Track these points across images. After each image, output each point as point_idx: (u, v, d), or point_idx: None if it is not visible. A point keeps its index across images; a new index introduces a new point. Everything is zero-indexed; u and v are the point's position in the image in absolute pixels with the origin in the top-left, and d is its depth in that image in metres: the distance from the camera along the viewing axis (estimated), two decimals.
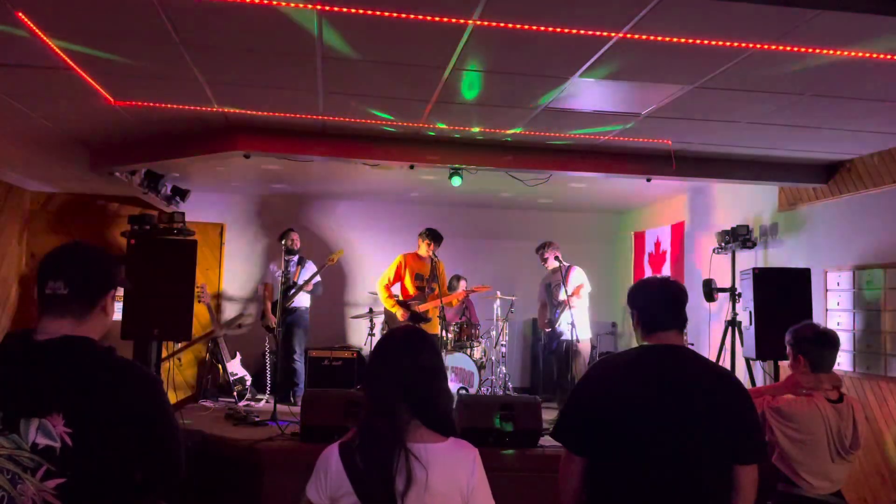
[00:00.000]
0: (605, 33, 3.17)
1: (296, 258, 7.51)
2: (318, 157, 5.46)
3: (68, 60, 3.73)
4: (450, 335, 7.19)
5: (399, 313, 6.52)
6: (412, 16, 3.04)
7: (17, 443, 1.67)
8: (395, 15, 3.04)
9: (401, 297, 6.78)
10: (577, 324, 6.40)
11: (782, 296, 5.40)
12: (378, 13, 3.02)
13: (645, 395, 2.28)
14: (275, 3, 2.95)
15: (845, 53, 3.29)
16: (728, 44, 3.23)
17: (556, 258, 6.65)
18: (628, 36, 3.18)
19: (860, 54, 3.30)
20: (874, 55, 3.30)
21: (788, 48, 3.25)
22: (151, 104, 4.58)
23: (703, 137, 5.06)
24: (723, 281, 6.21)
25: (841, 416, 3.04)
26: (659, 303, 2.45)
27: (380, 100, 4.41)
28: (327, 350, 8.15)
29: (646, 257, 8.78)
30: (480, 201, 8.67)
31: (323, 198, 8.90)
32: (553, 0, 2.86)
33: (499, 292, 7.79)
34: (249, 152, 5.26)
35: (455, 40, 3.32)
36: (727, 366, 5.81)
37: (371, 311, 8.16)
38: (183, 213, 5.87)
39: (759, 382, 5.71)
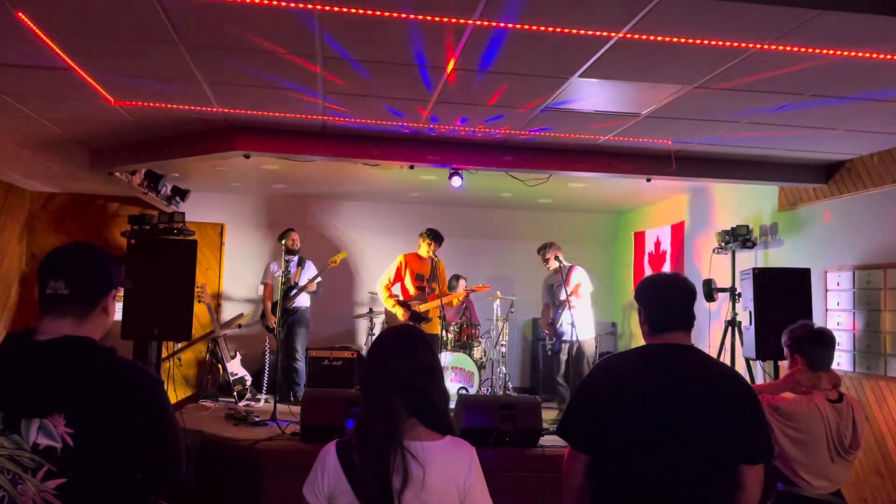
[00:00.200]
0: (605, 33, 3.17)
1: (296, 258, 7.50)
2: (318, 157, 5.46)
3: (68, 60, 3.73)
4: (450, 335, 7.19)
5: (400, 313, 6.52)
6: (412, 16, 3.04)
7: (18, 443, 1.67)
8: (395, 15, 3.04)
9: (401, 297, 6.78)
10: (580, 323, 6.41)
11: (782, 296, 5.40)
12: (378, 13, 3.02)
13: (651, 393, 2.27)
14: (275, 2, 2.95)
15: (845, 53, 3.29)
16: (728, 44, 3.23)
17: (557, 258, 6.65)
18: (628, 36, 3.18)
19: (860, 54, 3.30)
20: (874, 55, 3.30)
21: (788, 48, 3.25)
22: (151, 104, 4.58)
23: (703, 137, 5.06)
24: (723, 281, 6.21)
25: (841, 415, 3.04)
26: (667, 302, 2.41)
27: (380, 100, 4.41)
28: (327, 350, 8.15)
29: (646, 257, 8.78)
30: (480, 201, 8.67)
31: (323, 198, 8.90)
32: (553, 0, 2.86)
33: (499, 292, 7.79)
34: (249, 152, 5.26)
35: (455, 40, 3.32)
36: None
37: (371, 311, 8.17)
38: (183, 213, 5.87)
39: (759, 382, 5.71)
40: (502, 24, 3.11)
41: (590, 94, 4.13)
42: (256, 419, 5.78)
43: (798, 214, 6.11)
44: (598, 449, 2.34)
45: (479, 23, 3.09)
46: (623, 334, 9.05)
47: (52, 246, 1.95)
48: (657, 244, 8.53)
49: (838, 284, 5.56)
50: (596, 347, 6.84)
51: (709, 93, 3.98)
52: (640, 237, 8.99)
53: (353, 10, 3.00)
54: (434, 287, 6.58)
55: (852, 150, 5.30)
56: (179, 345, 8.19)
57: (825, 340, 3.15)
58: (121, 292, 2.04)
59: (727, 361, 5.92)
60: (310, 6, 2.97)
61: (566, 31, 3.15)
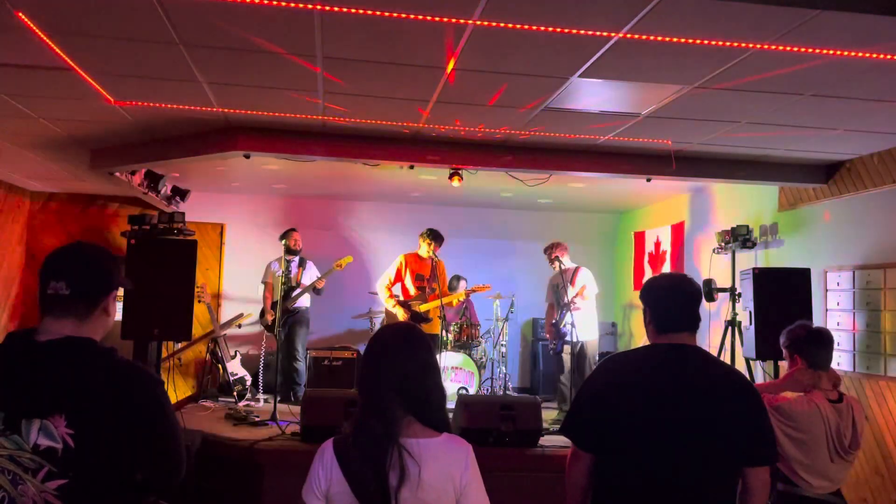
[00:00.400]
0: (605, 33, 3.17)
1: (297, 259, 7.49)
2: (318, 157, 5.45)
3: (68, 60, 3.73)
4: (450, 335, 7.20)
5: (400, 313, 6.52)
6: (412, 16, 3.04)
7: (19, 443, 1.67)
8: (395, 15, 3.04)
9: (401, 298, 6.78)
10: (583, 324, 6.46)
11: (782, 296, 5.40)
12: (378, 13, 3.02)
13: (655, 393, 2.27)
14: (275, 2, 2.95)
15: (845, 53, 3.29)
16: (728, 44, 3.23)
17: (558, 259, 6.66)
18: (628, 36, 3.18)
19: (860, 54, 3.30)
20: (874, 55, 3.30)
21: (788, 48, 3.25)
22: (151, 104, 4.58)
23: (703, 137, 5.06)
24: (723, 281, 6.21)
25: (841, 415, 3.04)
26: (673, 302, 2.40)
27: (380, 100, 4.41)
28: (327, 350, 8.16)
29: (646, 257, 8.78)
30: (480, 201, 8.67)
31: (323, 198, 8.91)
32: (553, 0, 2.86)
33: (499, 292, 7.79)
34: (249, 152, 5.26)
35: (456, 40, 3.32)
36: None
37: (371, 311, 8.17)
38: (183, 213, 5.87)
39: (759, 382, 5.71)
40: (502, 24, 3.11)
41: (590, 94, 4.13)
42: (256, 419, 5.78)
43: (798, 214, 6.11)
44: (601, 448, 2.34)
45: (479, 23, 3.09)
46: (623, 334, 9.05)
47: (52, 246, 1.96)
48: (657, 244, 8.53)
49: (838, 284, 5.56)
50: (603, 352, 6.85)
51: (709, 93, 3.98)
52: (640, 237, 8.99)
53: (353, 10, 3.00)
54: (434, 287, 6.58)
55: (852, 150, 5.30)
56: (179, 345, 8.20)
57: (823, 340, 3.15)
58: (121, 292, 2.03)
59: (727, 361, 5.92)
60: (310, 6, 2.97)
61: (566, 31, 3.15)
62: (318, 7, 2.98)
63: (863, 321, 5.29)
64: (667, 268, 8.20)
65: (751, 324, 5.50)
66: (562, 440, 5.02)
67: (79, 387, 1.72)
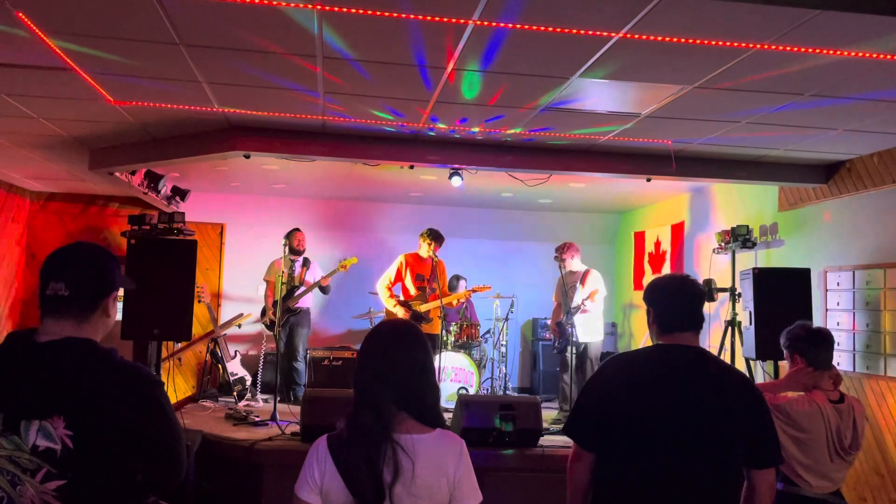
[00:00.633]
0: (605, 33, 3.17)
1: (301, 259, 7.48)
2: (318, 157, 5.46)
3: (68, 60, 3.73)
4: (450, 335, 7.20)
5: (401, 313, 6.52)
6: (412, 16, 3.04)
7: (18, 444, 1.67)
8: (395, 15, 3.04)
9: (402, 297, 6.78)
10: (589, 326, 6.54)
11: (782, 296, 5.39)
12: (378, 13, 3.02)
13: (658, 393, 2.27)
14: (275, 2, 2.95)
15: (845, 53, 3.29)
16: (728, 44, 3.23)
17: (566, 260, 6.70)
18: (628, 36, 3.18)
19: (860, 54, 3.30)
20: (874, 55, 3.30)
21: (788, 48, 3.25)
22: (151, 104, 4.58)
23: (703, 137, 5.06)
24: (723, 281, 6.21)
25: (841, 416, 3.04)
26: (677, 303, 2.40)
27: (380, 100, 4.41)
28: (327, 350, 8.15)
29: (646, 257, 8.78)
30: (480, 201, 8.67)
31: (323, 198, 8.90)
32: (553, 0, 2.86)
33: (499, 292, 7.79)
34: (249, 152, 5.26)
35: (455, 40, 3.32)
36: None
37: (371, 311, 8.16)
38: (183, 213, 5.86)
39: (759, 381, 5.71)
40: (502, 24, 3.11)
41: (590, 94, 4.13)
42: (256, 419, 5.78)
43: (798, 214, 6.11)
44: (603, 448, 2.34)
45: (479, 23, 3.09)
46: (623, 334, 9.05)
47: (52, 246, 1.95)
48: (657, 244, 8.53)
49: (838, 284, 5.57)
50: (605, 352, 6.88)
51: (709, 93, 3.98)
52: (640, 237, 8.99)
53: (353, 10, 3.00)
54: (434, 287, 6.58)
55: (852, 150, 5.30)
56: (179, 345, 8.19)
57: (823, 340, 3.15)
58: (121, 292, 2.03)
59: (727, 361, 5.92)
60: (310, 6, 2.97)
61: (566, 31, 3.15)
62: (318, 7, 2.98)
63: (863, 321, 5.29)
64: (667, 268, 8.20)
65: (751, 324, 5.50)
66: (562, 440, 5.02)
67: (78, 388, 1.72)
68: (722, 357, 5.85)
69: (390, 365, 1.92)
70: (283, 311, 7.14)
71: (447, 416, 5.66)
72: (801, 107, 4.19)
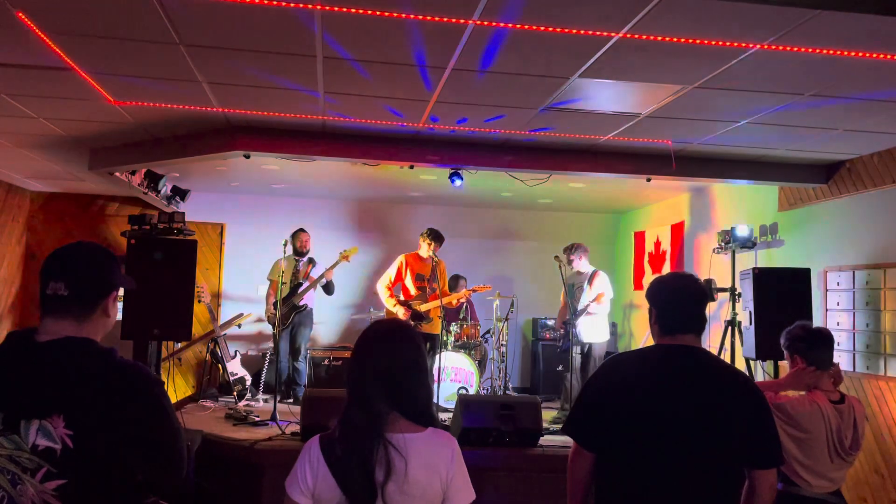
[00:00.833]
0: (605, 33, 3.17)
1: (305, 258, 7.48)
2: (318, 157, 5.46)
3: (68, 60, 3.73)
4: (450, 335, 7.20)
5: (401, 313, 6.52)
6: (412, 16, 3.05)
7: (18, 444, 1.67)
8: (395, 15, 3.04)
9: (402, 297, 6.78)
10: (595, 327, 6.62)
11: (782, 296, 5.39)
12: (378, 13, 3.02)
13: (658, 393, 2.27)
14: (275, 2, 2.95)
15: (845, 53, 3.29)
16: (728, 44, 3.23)
17: (570, 262, 6.73)
18: (628, 36, 3.18)
19: (860, 54, 3.30)
20: (874, 55, 3.30)
21: (788, 48, 3.26)
22: (151, 104, 4.58)
23: (703, 137, 5.06)
24: (723, 281, 6.21)
25: (842, 416, 3.04)
26: (679, 303, 2.39)
27: (380, 100, 4.41)
28: (327, 350, 8.16)
29: (646, 257, 8.78)
30: (480, 201, 8.67)
31: (322, 198, 8.90)
32: (553, 0, 2.86)
33: (499, 292, 7.79)
34: (249, 152, 5.26)
35: (455, 40, 3.33)
36: None
37: (371, 311, 8.16)
38: (183, 213, 5.86)
39: (760, 380, 5.71)
40: (502, 24, 3.11)
41: (589, 94, 4.13)
42: (256, 419, 5.79)
43: (798, 214, 6.11)
44: (603, 447, 2.34)
45: (479, 23, 3.09)
46: (623, 334, 9.05)
47: (52, 246, 1.95)
48: (657, 244, 8.53)
49: (838, 284, 5.57)
50: (608, 352, 6.91)
51: (709, 93, 3.98)
52: (640, 237, 8.99)
53: (353, 10, 3.00)
54: (435, 287, 6.58)
55: (852, 150, 5.30)
56: (179, 345, 8.19)
57: (823, 340, 3.15)
58: (121, 292, 2.03)
59: (727, 361, 5.92)
60: (310, 6, 2.97)
61: (566, 31, 3.15)
62: (319, 7, 2.98)
63: (863, 321, 5.29)
64: (667, 268, 8.20)
65: (751, 324, 5.50)
66: (562, 440, 5.02)
67: (78, 387, 1.72)
68: (722, 357, 5.87)
69: (382, 364, 1.93)
70: (289, 308, 7.15)
71: (447, 416, 5.67)
72: (801, 107, 4.19)
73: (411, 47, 3.44)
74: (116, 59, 3.72)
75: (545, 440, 5.12)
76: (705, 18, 2.98)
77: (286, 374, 7.22)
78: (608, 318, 6.99)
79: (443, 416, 5.85)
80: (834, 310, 5.60)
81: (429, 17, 3.05)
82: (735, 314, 5.95)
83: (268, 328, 8.03)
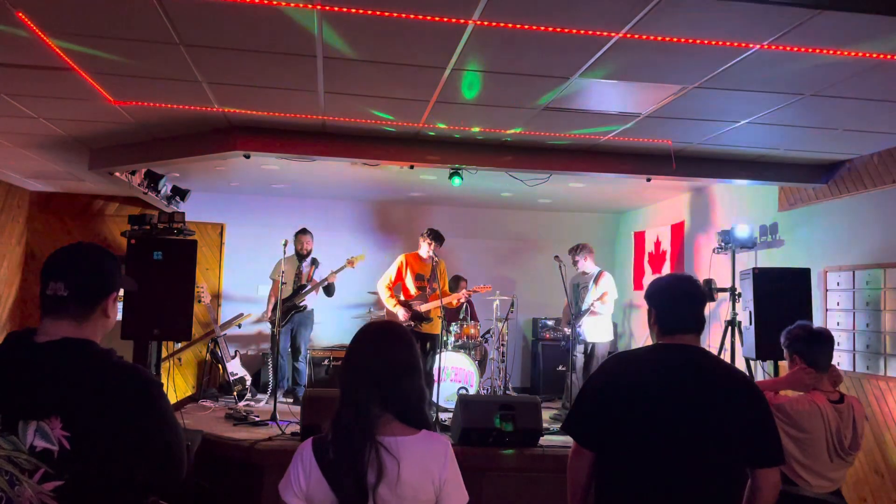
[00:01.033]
0: (605, 33, 3.17)
1: (309, 259, 7.48)
2: (318, 157, 5.46)
3: (68, 60, 3.73)
4: (450, 335, 7.20)
5: (401, 312, 6.52)
6: (412, 16, 3.04)
7: (16, 444, 1.67)
8: (395, 15, 3.04)
9: (402, 297, 6.78)
10: (598, 327, 6.67)
11: (782, 296, 5.39)
12: (378, 13, 3.02)
13: (658, 393, 2.27)
14: (275, 2, 2.95)
15: (845, 53, 3.29)
16: (728, 44, 3.23)
17: (573, 262, 6.75)
18: (628, 36, 3.18)
19: (860, 54, 3.30)
20: (874, 55, 3.30)
21: (788, 48, 3.25)
22: (151, 104, 4.58)
23: (703, 137, 5.06)
24: (723, 281, 6.21)
25: (841, 416, 3.04)
26: (678, 304, 2.40)
27: (380, 100, 4.41)
28: (327, 350, 8.16)
29: (646, 257, 8.78)
30: (480, 201, 8.67)
31: (322, 197, 8.90)
32: (553, 0, 2.86)
33: (499, 292, 7.79)
34: (249, 152, 5.26)
35: (455, 40, 3.33)
36: None
37: (371, 311, 8.16)
38: (183, 213, 5.86)
39: (760, 379, 5.71)
40: (502, 24, 3.11)
41: (590, 94, 4.13)
42: (256, 419, 5.79)
43: (798, 214, 6.11)
44: (602, 446, 2.34)
45: (479, 23, 3.09)
46: (623, 334, 9.05)
47: (52, 246, 1.95)
48: (657, 244, 8.53)
49: (838, 284, 5.56)
50: (610, 352, 6.93)
51: (709, 93, 3.98)
52: (640, 237, 8.99)
53: (353, 10, 3.00)
54: (434, 287, 6.58)
55: (852, 150, 5.30)
56: (179, 345, 8.19)
57: (823, 341, 3.15)
58: (121, 293, 2.02)
59: (727, 361, 5.92)
60: (310, 6, 2.97)
61: (566, 31, 3.15)
62: (318, 7, 2.98)
63: (863, 321, 5.29)
64: (667, 268, 8.20)
65: (751, 324, 5.50)
66: (562, 440, 5.03)
67: (75, 388, 1.71)
68: (722, 357, 5.87)
69: (374, 365, 1.93)
70: (290, 308, 7.15)
71: (447, 416, 5.67)
72: (801, 107, 4.19)
73: (411, 47, 3.44)
74: (116, 59, 3.72)
75: (545, 440, 5.12)
76: (705, 18, 2.98)
77: (286, 374, 7.22)
78: (612, 318, 7.01)
79: (443, 416, 5.85)
80: (834, 310, 5.60)
81: (429, 17, 3.05)
82: (735, 314, 5.95)
83: (268, 328, 8.03)
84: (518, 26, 3.12)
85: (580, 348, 6.74)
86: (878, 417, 5.07)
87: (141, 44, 3.48)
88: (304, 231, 7.50)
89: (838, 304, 5.56)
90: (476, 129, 5.05)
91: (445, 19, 3.07)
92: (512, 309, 7.68)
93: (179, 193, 7.46)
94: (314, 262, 7.48)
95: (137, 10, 3.06)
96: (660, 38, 3.20)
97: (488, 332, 7.95)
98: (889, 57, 3.32)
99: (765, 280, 5.50)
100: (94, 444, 1.69)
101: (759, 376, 5.81)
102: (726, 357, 5.88)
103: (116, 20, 3.20)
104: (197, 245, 5.55)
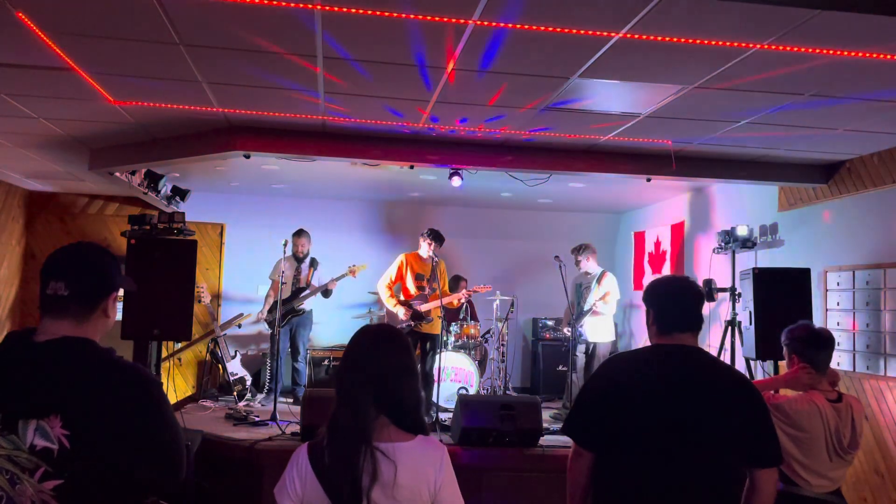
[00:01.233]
0: (605, 33, 3.17)
1: (308, 260, 7.47)
2: (318, 157, 5.46)
3: (68, 60, 3.73)
4: (450, 335, 7.20)
5: (401, 312, 6.52)
6: (412, 16, 3.04)
7: (16, 444, 1.67)
8: (395, 15, 3.04)
9: (402, 297, 6.78)
10: (599, 328, 6.69)
11: (782, 296, 5.38)
12: (378, 13, 3.02)
13: (657, 393, 2.28)
14: (275, 2, 2.95)
15: (845, 53, 3.29)
16: (728, 44, 3.23)
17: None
18: (628, 36, 3.18)
19: (860, 54, 3.30)
20: (874, 55, 3.30)
21: (788, 48, 3.25)
22: (151, 104, 4.58)
23: (703, 137, 5.06)
24: (723, 281, 6.20)
25: (840, 415, 3.04)
26: (675, 304, 2.42)
27: (380, 100, 4.41)
28: (327, 350, 8.16)
29: (646, 257, 8.78)
30: (480, 201, 8.67)
31: (323, 197, 8.90)
32: (553, 0, 2.86)
33: (499, 292, 7.79)
34: (249, 152, 5.26)
35: (456, 40, 3.32)
36: None
37: (371, 311, 8.16)
38: (183, 213, 5.86)
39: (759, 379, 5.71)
40: (502, 24, 3.11)
41: (590, 94, 4.13)
42: (256, 419, 5.79)
43: (798, 214, 6.11)
44: (601, 447, 2.35)
45: (479, 23, 3.09)
46: (623, 334, 9.05)
47: (51, 246, 1.95)
48: (657, 244, 8.53)
49: (838, 284, 5.56)
50: (611, 352, 6.94)
51: (709, 93, 3.98)
52: (640, 237, 8.99)
53: (353, 10, 3.01)
54: (434, 287, 6.58)
55: (852, 150, 5.30)
56: (179, 345, 8.19)
57: (823, 342, 3.15)
58: (120, 293, 2.03)
59: (727, 361, 5.92)
60: (310, 6, 2.97)
61: (566, 31, 3.15)
62: (319, 7, 2.98)
63: (863, 321, 5.29)
64: (667, 268, 8.20)
65: (751, 324, 5.50)
66: (562, 440, 5.02)
67: (74, 387, 1.72)
68: (722, 357, 5.87)
69: (370, 367, 1.93)
70: (287, 312, 7.15)
71: (447, 416, 5.67)
72: (801, 107, 4.19)
73: (411, 47, 3.44)
74: (116, 59, 3.72)
75: (545, 440, 5.12)
76: (705, 18, 2.98)
77: (282, 376, 7.22)
78: (613, 319, 7.01)
79: (443, 416, 5.85)
80: (834, 310, 5.60)
81: (429, 17, 3.05)
82: (735, 314, 5.95)
83: (268, 328, 8.03)
84: (518, 26, 3.12)
85: (581, 348, 6.75)
86: (877, 417, 5.07)
87: (141, 44, 3.48)
88: (299, 233, 7.44)
89: (838, 304, 5.56)
90: (476, 129, 5.05)
91: (445, 19, 3.07)
92: (512, 309, 7.69)
93: (179, 193, 7.46)
94: (313, 264, 7.45)
95: (137, 10, 3.06)
96: (660, 38, 3.20)
97: (488, 332, 7.95)
98: (889, 57, 3.32)
99: (765, 280, 5.50)
100: (94, 443, 1.69)
101: (759, 376, 5.81)
102: (726, 357, 5.88)
103: (116, 20, 3.21)
104: (197, 245, 5.54)
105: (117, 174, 6.11)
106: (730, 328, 5.94)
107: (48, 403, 1.69)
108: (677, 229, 8.04)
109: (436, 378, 6.22)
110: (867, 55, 3.30)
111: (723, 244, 6.24)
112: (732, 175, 5.87)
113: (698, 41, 3.21)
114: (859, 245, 5.38)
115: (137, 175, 6.33)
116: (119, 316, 5.20)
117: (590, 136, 5.15)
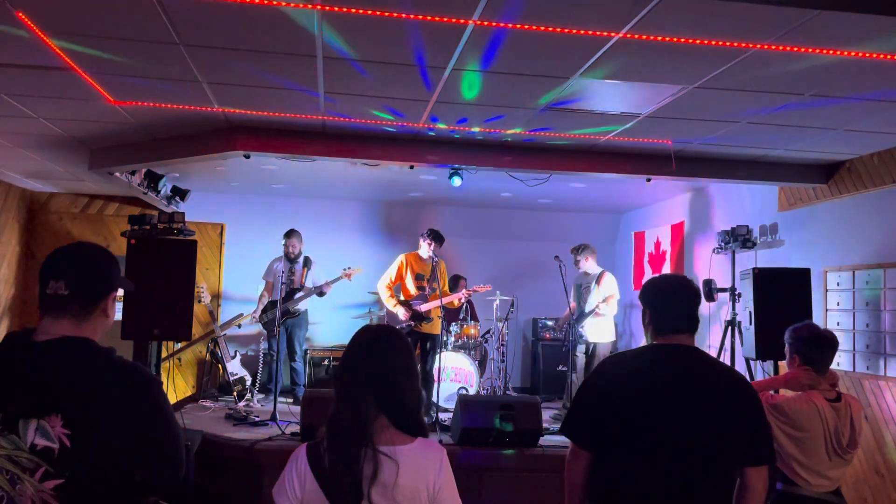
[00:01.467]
0: (605, 33, 3.17)
1: (301, 259, 7.46)
2: (318, 157, 5.46)
3: (68, 60, 3.73)
4: (450, 335, 7.20)
5: (401, 312, 6.52)
6: (412, 16, 3.04)
7: (16, 443, 1.67)
8: (395, 15, 3.04)
9: (402, 297, 6.78)
10: (600, 328, 6.70)
11: (782, 296, 5.39)
12: (378, 13, 3.02)
13: (653, 393, 2.28)
14: (275, 2, 2.95)
15: (845, 53, 3.29)
16: (728, 44, 3.23)
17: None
18: (628, 36, 3.18)
19: (860, 54, 3.30)
20: (874, 55, 3.30)
21: (788, 48, 3.25)
22: (151, 104, 4.58)
23: (703, 137, 5.06)
24: (723, 281, 6.20)
25: (839, 415, 3.04)
26: (672, 304, 2.42)
27: (380, 100, 4.41)
28: (327, 350, 8.16)
29: (646, 257, 8.78)
30: (480, 201, 8.67)
31: (322, 198, 8.90)
32: (553, 0, 2.86)
33: (499, 292, 7.79)
34: (249, 152, 5.26)
35: (455, 40, 3.33)
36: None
37: (371, 311, 8.16)
38: (183, 213, 5.86)
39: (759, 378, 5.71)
40: (502, 24, 3.11)
41: (590, 94, 4.13)
42: (256, 419, 5.79)
43: (798, 214, 6.11)
44: (599, 447, 2.35)
45: (479, 23, 3.09)
46: (623, 334, 9.05)
47: (51, 246, 1.95)
48: (657, 244, 8.53)
49: (838, 284, 5.56)
50: (612, 352, 6.94)
51: (709, 93, 3.98)
52: (640, 237, 8.99)
53: (353, 10, 3.00)
54: (434, 287, 6.58)
55: (852, 150, 5.30)
56: (179, 345, 8.19)
57: (825, 344, 3.14)
58: (120, 293, 2.03)
59: (727, 361, 5.92)
60: (310, 6, 2.97)
61: (566, 31, 3.15)
62: (318, 7, 2.98)
63: (863, 321, 5.29)
64: (667, 268, 8.20)
65: (751, 324, 5.50)
66: (562, 440, 5.02)
67: (75, 387, 1.72)
68: (722, 357, 5.88)
69: (370, 368, 1.93)
70: (283, 313, 7.14)
71: (447, 416, 5.67)
72: (801, 107, 4.19)
73: (411, 47, 3.44)
74: (116, 59, 3.72)
75: (545, 440, 5.13)
76: (705, 18, 2.98)
77: (281, 377, 7.22)
78: (614, 319, 7.02)
79: (443, 416, 5.85)
80: (834, 310, 5.60)
81: (429, 17, 3.05)
82: (735, 314, 5.95)
83: (263, 329, 8.02)
84: (518, 26, 3.12)
85: (581, 348, 6.76)
86: (877, 417, 5.07)
87: (141, 44, 3.48)
88: (289, 233, 7.37)
89: (838, 304, 5.56)
90: (476, 129, 5.05)
91: (445, 19, 3.07)
92: (512, 309, 7.69)
93: (179, 193, 7.46)
94: (307, 263, 7.41)
95: (137, 10, 3.06)
96: (660, 38, 3.20)
97: (488, 332, 7.95)
98: (889, 57, 3.32)
99: (765, 280, 5.50)
100: (94, 443, 1.69)
101: (759, 376, 5.81)
102: (726, 357, 5.88)
103: (116, 20, 3.20)
104: (197, 245, 5.55)
105: (117, 174, 6.11)
106: (730, 328, 5.94)
107: (48, 403, 1.69)
108: (677, 229, 8.04)
109: (436, 378, 6.22)
110: (867, 55, 3.30)
111: (723, 244, 6.24)
112: (732, 175, 5.86)
113: (698, 41, 3.21)
114: (859, 245, 5.38)
115: (137, 175, 6.33)
116: (119, 316, 5.22)
117: (590, 136, 5.15)
